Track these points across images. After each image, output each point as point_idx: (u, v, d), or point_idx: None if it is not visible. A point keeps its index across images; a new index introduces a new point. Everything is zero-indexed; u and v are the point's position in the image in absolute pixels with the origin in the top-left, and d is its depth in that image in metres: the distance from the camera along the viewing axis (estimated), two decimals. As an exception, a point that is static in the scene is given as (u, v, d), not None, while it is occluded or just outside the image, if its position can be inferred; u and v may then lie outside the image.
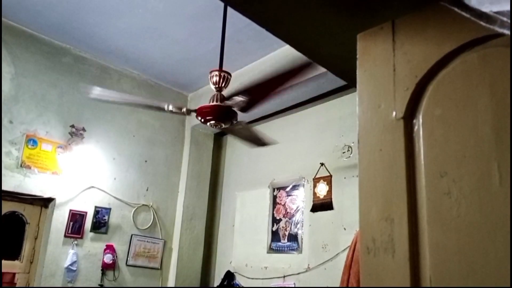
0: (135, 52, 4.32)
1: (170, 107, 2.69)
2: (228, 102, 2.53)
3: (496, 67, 0.83)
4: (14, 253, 3.84)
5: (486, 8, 0.77)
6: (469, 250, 0.78)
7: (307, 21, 1.13)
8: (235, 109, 2.58)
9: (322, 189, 3.94)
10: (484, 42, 0.85)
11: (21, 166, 3.80)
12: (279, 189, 4.41)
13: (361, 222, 0.95)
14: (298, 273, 3.92)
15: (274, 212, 4.38)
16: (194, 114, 2.68)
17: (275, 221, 4.35)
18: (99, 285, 4.13)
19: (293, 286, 3.92)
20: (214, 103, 2.58)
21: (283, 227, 4.24)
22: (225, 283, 4.50)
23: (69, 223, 4.02)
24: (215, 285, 4.72)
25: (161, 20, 3.75)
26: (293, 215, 4.18)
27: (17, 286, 3.79)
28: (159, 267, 4.59)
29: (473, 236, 0.78)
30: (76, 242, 4.04)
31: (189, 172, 4.90)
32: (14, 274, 3.79)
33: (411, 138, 0.92)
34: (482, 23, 0.78)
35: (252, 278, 4.33)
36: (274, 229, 4.33)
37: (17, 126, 3.84)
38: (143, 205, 4.58)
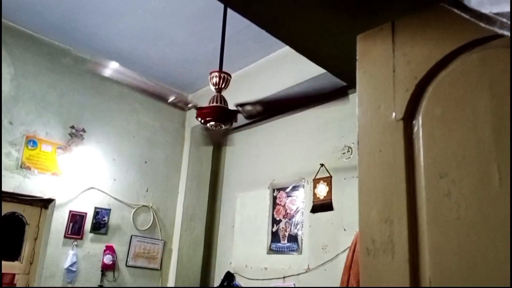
0: (135, 52, 4.32)
1: (172, 99, 2.66)
2: (236, 107, 2.52)
3: (495, 68, 0.83)
4: (14, 254, 3.84)
5: (485, 9, 0.77)
6: (468, 251, 0.78)
7: (306, 22, 1.13)
8: (242, 114, 2.58)
9: (322, 190, 3.94)
10: (484, 43, 0.85)
11: (21, 167, 3.80)
12: (279, 190, 4.41)
13: (361, 223, 0.95)
14: (298, 274, 3.92)
15: (274, 213, 4.38)
16: (194, 115, 2.68)
17: (275, 222, 4.34)
18: (98, 286, 4.13)
19: (293, 287, 3.92)
20: (214, 104, 2.58)
21: (283, 228, 4.24)
22: (225, 284, 4.50)
23: (69, 224, 4.02)
24: (215, 286, 4.72)
25: (161, 21, 3.75)
26: (293, 216, 4.18)
27: (17, 287, 3.79)
28: (159, 268, 4.59)
29: (472, 237, 0.78)
30: (76, 243, 4.04)
31: (189, 173, 4.90)
32: (14, 275, 3.79)
33: (411, 139, 0.92)
34: (481, 24, 0.78)
35: (252, 279, 4.33)
36: (274, 230, 4.33)
37: (17, 127, 3.84)
38: (143, 206, 4.58)
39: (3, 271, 3.66)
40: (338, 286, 3.17)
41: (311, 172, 4.07)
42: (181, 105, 2.67)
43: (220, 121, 2.61)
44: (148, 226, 4.57)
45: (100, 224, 4.24)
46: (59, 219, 3.98)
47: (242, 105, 2.55)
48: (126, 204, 4.46)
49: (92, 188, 4.23)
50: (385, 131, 0.96)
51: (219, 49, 2.82)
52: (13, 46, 3.91)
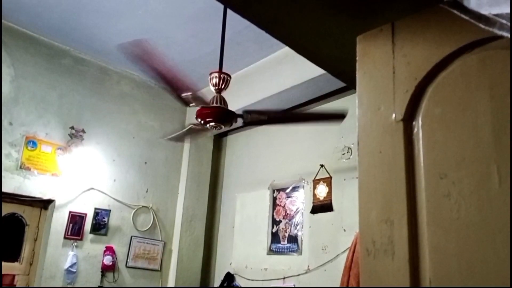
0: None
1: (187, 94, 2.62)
2: (241, 113, 2.53)
3: (495, 69, 0.83)
4: (13, 255, 3.84)
5: (485, 11, 0.77)
6: (468, 251, 0.78)
7: (307, 23, 1.13)
8: (244, 119, 2.59)
9: (322, 191, 3.94)
10: (483, 44, 0.85)
11: (20, 167, 3.80)
12: (279, 190, 4.41)
13: (361, 224, 0.95)
14: (298, 275, 3.92)
15: (274, 213, 4.38)
16: (194, 115, 2.68)
17: (275, 222, 4.34)
18: (98, 286, 4.12)
19: (293, 287, 3.92)
20: (214, 104, 2.58)
21: (283, 228, 4.24)
22: (225, 284, 4.50)
23: (69, 225, 4.02)
24: (215, 287, 4.72)
25: (161, 22, 3.75)
26: (293, 217, 4.18)
27: (16, 287, 3.79)
28: (159, 269, 4.59)
29: (472, 237, 0.78)
30: (75, 243, 4.04)
31: (189, 173, 4.90)
32: (13, 276, 3.79)
33: (411, 140, 0.92)
34: (481, 25, 0.79)
35: (252, 280, 4.32)
36: (274, 230, 4.33)
37: (16, 127, 3.84)
38: (143, 206, 4.58)
39: (3, 272, 3.66)
40: (338, 286, 3.17)
41: (311, 173, 4.07)
42: (188, 99, 2.61)
43: (220, 122, 2.61)
44: (148, 227, 4.57)
45: (100, 225, 4.24)
46: (59, 220, 3.98)
47: (249, 112, 2.56)
48: (126, 204, 4.45)
49: (92, 188, 4.23)
50: (385, 132, 0.96)
51: (219, 50, 2.82)
52: (13, 47, 3.91)
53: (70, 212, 4.04)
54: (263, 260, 4.30)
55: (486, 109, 0.82)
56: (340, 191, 3.79)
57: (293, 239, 4.11)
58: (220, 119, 2.59)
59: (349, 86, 1.40)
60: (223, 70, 2.67)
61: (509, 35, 0.74)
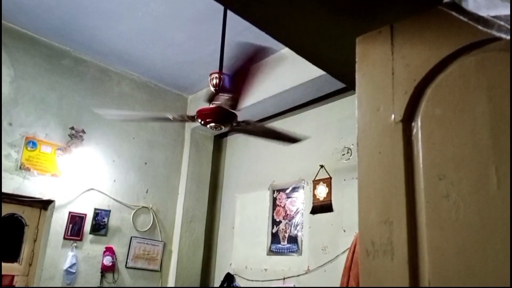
0: (135, 54, 4.32)
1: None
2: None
3: (493, 71, 0.83)
4: (13, 256, 3.84)
5: (483, 13, 0.78)
6: (467, 252, 0.78)
7: (306, 24, 1.13)
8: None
9: (321, 191, 3.95)
10: (482, 46, 0.86)
11: (20, 168, 3.80)
12: (279, 191, 4.41)
13: (361, 224, 0.96)
14: (298, 275, 3.92)
15: (274, 214, 4.38)
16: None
17: (275, 223, 4.35)
18: (98, 287, 4.12)
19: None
20: (214, 105, 2.59)
21: (283, 229, 4.24)
22: (225, 285, 4.50)
23: (69, 225, 4.02)
24: (215, 287, 4.72)
25: (161, 23, 3.76)
26: (293, 217, 4.18)
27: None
28: (159, 269, 4.59)
29: (471, 238, 0.79)
30: (75, 244, 4.04)
31: (189, 174, 4.91)
32: (13, 276, 3.78)
33: (410, 141, 0.93)
34: (479, 27, 0.79)
35: (252, 280, 4.33)
36: (274, 231, 4.33)
37: (16, 128, 3.84)
38: (142, 207, 4.58)
39: (2, 272, 3.66)
40: (338, 287, 3.17)
41: (310, 173, 4.07)
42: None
43: (220, 122, 2.62)
44: (148, 228, 4.57)
45: (100, 226, 4.24)
46: (59, 221, 3.98)
47: (248, 122, 2.60)
48: (126, 205, 4.46)
49: (92, 189, 4.23)
50: (384, 133, 0.97)
51: (219, 51, 2.83)
52: (12, 48, 3.91)
53: (69, 212, 4.04)
54: (263, 261, 4.31)
55: (484, 110, 0.82)
56: (340, 192, 3.79)
57: (293, 239, 4.11)
58: (220, 119, 2.59)
59: (349, 87, 1.40)
60: (223, 71, 2.68)
61: (507, 37, 0.75)
